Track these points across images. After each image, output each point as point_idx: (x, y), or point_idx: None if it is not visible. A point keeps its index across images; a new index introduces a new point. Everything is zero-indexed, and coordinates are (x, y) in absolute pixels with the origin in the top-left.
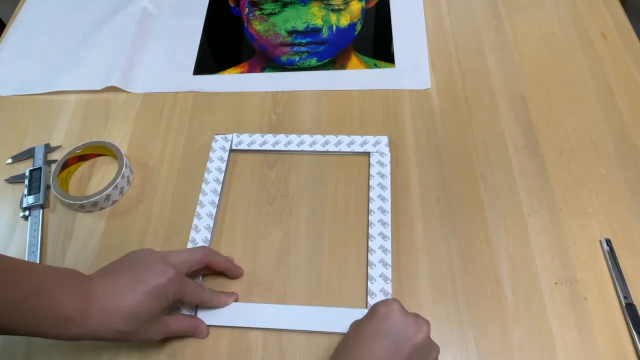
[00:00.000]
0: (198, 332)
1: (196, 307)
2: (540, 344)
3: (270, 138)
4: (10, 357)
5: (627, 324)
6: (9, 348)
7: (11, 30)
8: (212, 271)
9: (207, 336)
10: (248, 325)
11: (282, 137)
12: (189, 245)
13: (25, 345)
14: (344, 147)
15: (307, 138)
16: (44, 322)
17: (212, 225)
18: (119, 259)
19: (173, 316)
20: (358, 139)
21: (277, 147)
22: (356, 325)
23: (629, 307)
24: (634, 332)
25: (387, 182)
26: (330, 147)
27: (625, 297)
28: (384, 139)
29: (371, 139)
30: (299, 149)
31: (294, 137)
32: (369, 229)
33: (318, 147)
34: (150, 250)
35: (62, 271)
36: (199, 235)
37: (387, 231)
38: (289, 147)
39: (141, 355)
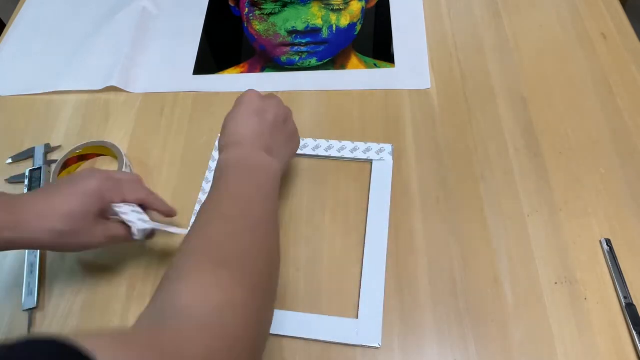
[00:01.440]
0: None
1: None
2: (540, 344)
3: None
4: None
5: (627, 324)
6: None
7: (11, 30)
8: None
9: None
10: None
11: None
12: None
13: None
14: (347, 154)
15: (310, 142)
16: None
17: None
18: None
19: (115, 222)
20: (362, 145)
21: None
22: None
23: (629, 307)
24: (634, 332)
25: (387, 193)
26: (333, 153)
27: (625, 297)
28: (388, 147)
29: (375, 147)
30: (302, 152)
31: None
32: (365, 243)
33: (321, 152)
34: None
35: None
36: None
37: (383, 245)
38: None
39: None
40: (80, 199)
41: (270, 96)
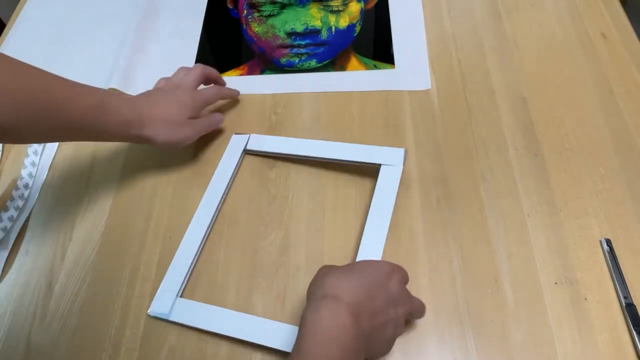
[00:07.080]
0: (216, 121)
1: None
2: (540, 344)
3: (286, 141)
4: (10, 357)
5: (627, 324)
6: (9, 349)
7: (11, 30)
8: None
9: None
10: (246, 339)
11: (297, 141)
12: (183, 244)
13: (25, 346)
14: (360, 157)
15: (323, 144)
16: (112, 124)
17: (208, 225)
18: (148, 91)
19: (199, 119)
20: (372, 148)
21: (292, 152)
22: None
23: (629, 307)
24: (634, 332)
25: (392, 198)
26: (343, 156)
27: (625, 297)
28: (400, 152)
29: (386, 150)
30: (314, 155)
31: (309, 142)
32: (359, 250)
33: (330, 155)
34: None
35: (113, 92)
36: (193, 235)
37: (378, 254)
38: (305, 153)
39: (141, 355)
40: (177, 109)
41: (390, 263)
